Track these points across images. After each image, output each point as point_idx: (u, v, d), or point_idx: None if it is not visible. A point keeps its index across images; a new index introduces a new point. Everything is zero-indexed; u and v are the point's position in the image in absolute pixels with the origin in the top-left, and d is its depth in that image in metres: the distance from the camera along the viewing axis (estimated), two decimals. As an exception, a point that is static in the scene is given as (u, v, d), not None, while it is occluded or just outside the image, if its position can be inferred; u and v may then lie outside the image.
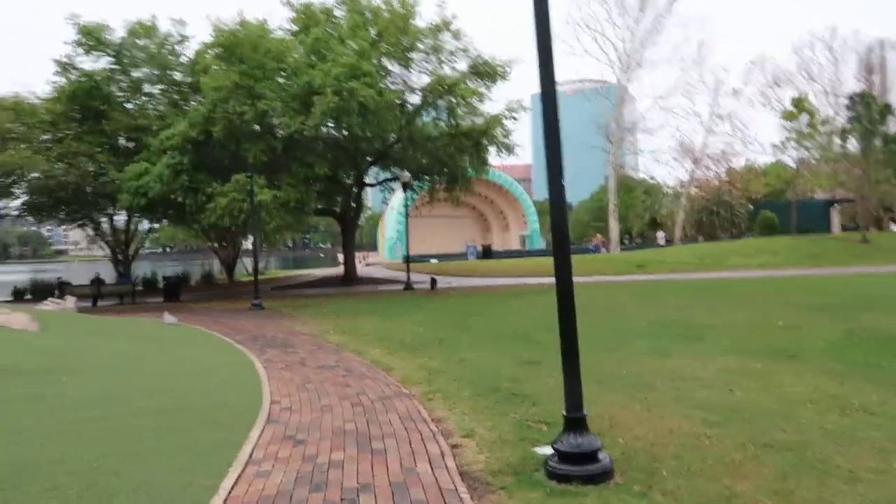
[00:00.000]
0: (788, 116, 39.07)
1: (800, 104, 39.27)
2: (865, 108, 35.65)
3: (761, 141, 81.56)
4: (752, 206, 58.67)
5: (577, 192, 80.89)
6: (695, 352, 10.13)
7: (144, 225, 35.18)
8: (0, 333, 10.85)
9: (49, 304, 20.32)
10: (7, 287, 33.49)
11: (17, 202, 30.09)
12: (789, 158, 46.43)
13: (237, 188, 22.29)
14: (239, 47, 23.68)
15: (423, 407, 7.00)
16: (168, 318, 15.66)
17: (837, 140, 38.75)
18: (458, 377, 8.54)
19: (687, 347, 10.58)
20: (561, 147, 4.94)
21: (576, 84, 56.26)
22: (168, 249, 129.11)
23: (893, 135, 37.31)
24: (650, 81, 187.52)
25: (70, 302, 19.91)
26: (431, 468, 4.96)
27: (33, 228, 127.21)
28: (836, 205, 47.49)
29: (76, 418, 6.24)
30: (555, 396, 7.00)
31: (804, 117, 38.81)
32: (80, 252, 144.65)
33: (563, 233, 5.04)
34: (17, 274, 56.68)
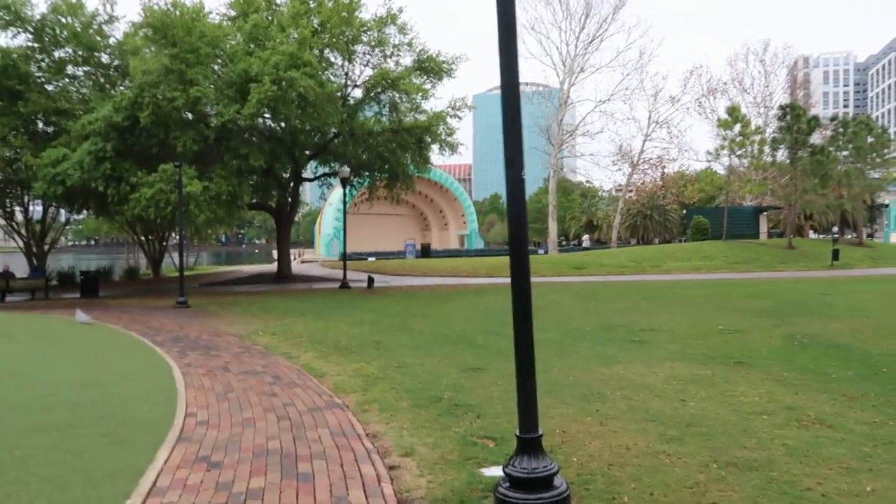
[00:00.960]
0: (724, 125, 40.14)
1: (734, 113, 40.40)
2: (794, 120, 36.89)
3: (696, 148, 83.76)
4: (684, 212, 60.40)
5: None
6: (641, 357, 9.84)
7: (63, 216, 32.97)
8: None
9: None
10: None
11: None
12: (720, 166, 47.86)
13: (164, 178, 21.02)
14: (171, 29, 22.38)
15: (358, 420, 6.36)
16: (80, 316, 14.40)
17: (768, 149, 40.07)
18: (397, 385, 7.94)
19: (633, 352, 10.29)
20: (522, 142, 4.39)
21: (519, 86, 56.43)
22: (93, 242, 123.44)
23: (820, 146, 38.83)
24: (592, 85, 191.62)
25: (-29, 297, 18.23)
26: (366, 496, 4.35)
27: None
28: (764, 212, 49.19)
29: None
30: (501, 408, 6.49)
31: (737, 126, 39.94)
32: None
33: (522, 236, 4.46)
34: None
